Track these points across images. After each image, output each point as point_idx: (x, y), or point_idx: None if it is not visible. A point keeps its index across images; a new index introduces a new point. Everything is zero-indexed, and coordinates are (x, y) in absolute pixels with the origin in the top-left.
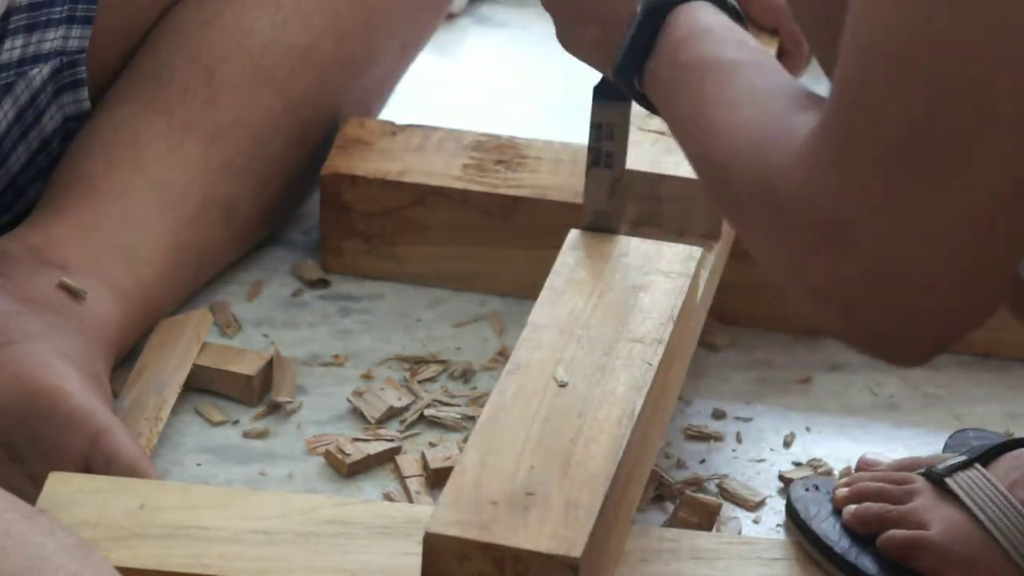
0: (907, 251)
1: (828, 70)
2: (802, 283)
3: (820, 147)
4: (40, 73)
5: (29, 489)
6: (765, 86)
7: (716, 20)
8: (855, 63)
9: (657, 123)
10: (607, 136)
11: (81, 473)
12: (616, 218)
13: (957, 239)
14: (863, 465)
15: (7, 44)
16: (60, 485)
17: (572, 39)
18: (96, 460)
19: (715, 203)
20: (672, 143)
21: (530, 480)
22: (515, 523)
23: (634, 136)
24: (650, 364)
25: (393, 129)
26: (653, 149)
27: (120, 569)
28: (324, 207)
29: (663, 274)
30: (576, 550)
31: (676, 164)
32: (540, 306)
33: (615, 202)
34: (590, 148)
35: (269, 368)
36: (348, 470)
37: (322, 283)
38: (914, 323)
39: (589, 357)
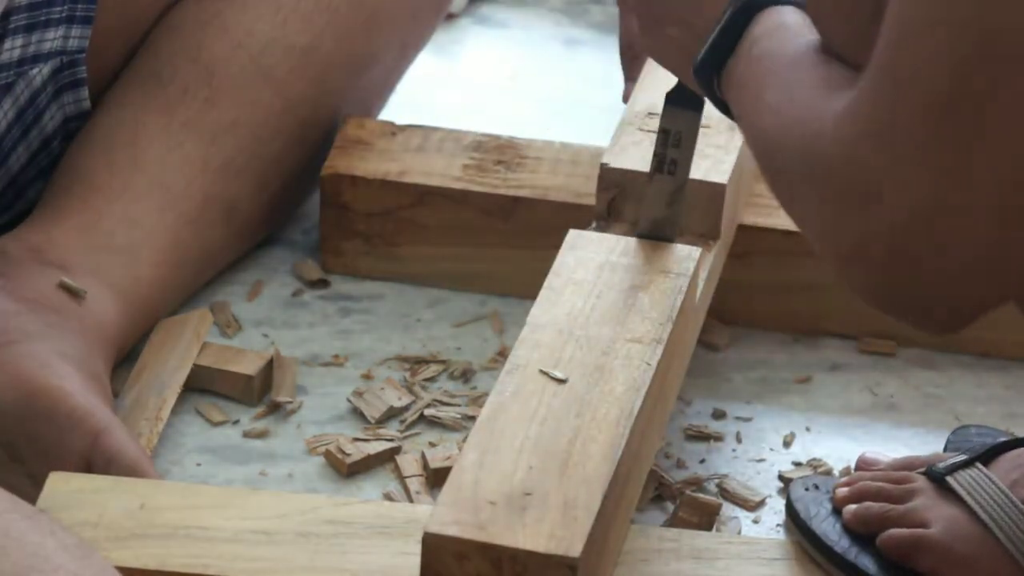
0: (944, 204)
1: (847, 53)
2: (847, 245)
3: (858, 107)
4: (40, 73)
5: (29, 489)
6: (817, 70)
7: (794, 18)
8: (891, 23)
9: (655, 122)
10: (674, 143)
11: (81, 473)
12: (672, 227)
13: (994, 193)
14: (863, 464)
15: (7, 44)
16: (60, 485)
17: (654, 40)
18: (96, 460)
19: (769, 185)
20: None
21: (528, 480)
22: (513, 523)
23: (634, 136)
24: (648, 364)
25: (393, 129)
26: (651, 149)
27: (120, 569)
28: (324, 207)
29: (662, 274)
30: (574, 550)
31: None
32: (539, 306)
33: (674, 210)
34: (655, 154)
35: (269, 368)
36: (348, 470)
37: (322, 283)
38: (950, 282)
39: (588, 357)
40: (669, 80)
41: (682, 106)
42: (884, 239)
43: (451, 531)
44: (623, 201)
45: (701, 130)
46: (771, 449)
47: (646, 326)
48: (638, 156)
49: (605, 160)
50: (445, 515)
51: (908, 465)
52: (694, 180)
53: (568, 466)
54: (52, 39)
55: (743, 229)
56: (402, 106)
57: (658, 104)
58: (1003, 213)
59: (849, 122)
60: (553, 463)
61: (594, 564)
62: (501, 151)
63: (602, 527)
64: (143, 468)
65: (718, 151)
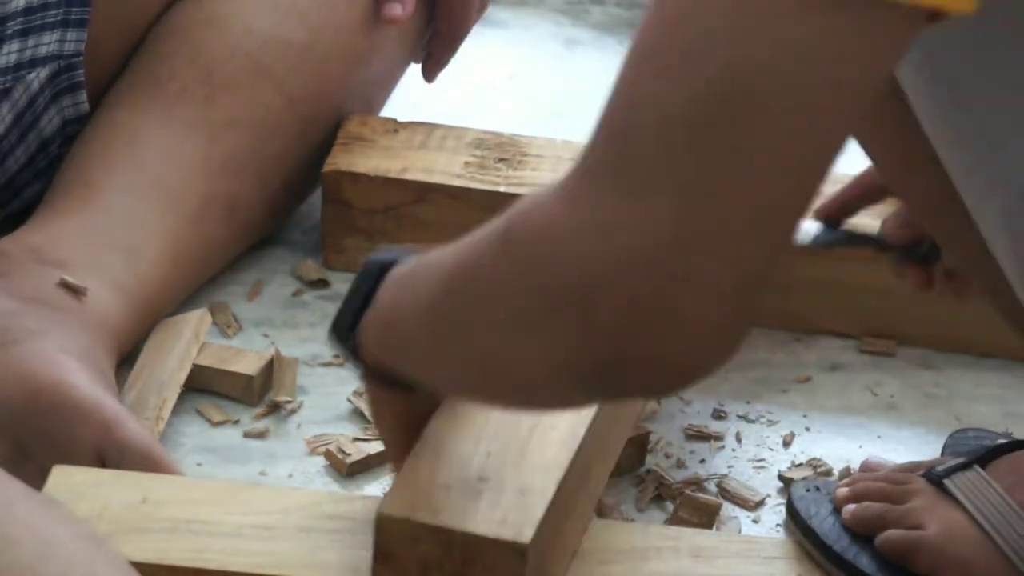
0: (684, 235)
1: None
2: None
3: (576, 174)
4: (38, 77)
5: (40, 485)
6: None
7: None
8: (611, 94)
9: None
10: None
11: (91, 466)
12: None
13: (731, 232)
14: (865, 469)
15: (3, 49)
16: (63, 479)
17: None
18: (109, 451)
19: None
20: None
21: (486, 466)
22: (466, 507)
23: None
24: None
25: (395, 126)
26: None
27: None
28: (325, 204)
29: None
30: (525, 535)
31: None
32: None
33: None
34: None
35: (270, 368)
36: (348, 470)
37: (322, 283)
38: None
39: None
40: None
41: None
42: (627, 284)
43: (404, 513)
44: None
45: None
46: (771, 449)
47: None
48: None
49: None
50: (399, 497)
51: (910, 470)
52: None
53: (526, 453)
54: (48, 43)
55: None
56: (403, 104)
57: None
58: (740, 251)
59: (560, 196)
60: (512, 450)
61: (547, 551)
62: (503, 148)
63: (557, 515)
64: (157, 456)
65: None
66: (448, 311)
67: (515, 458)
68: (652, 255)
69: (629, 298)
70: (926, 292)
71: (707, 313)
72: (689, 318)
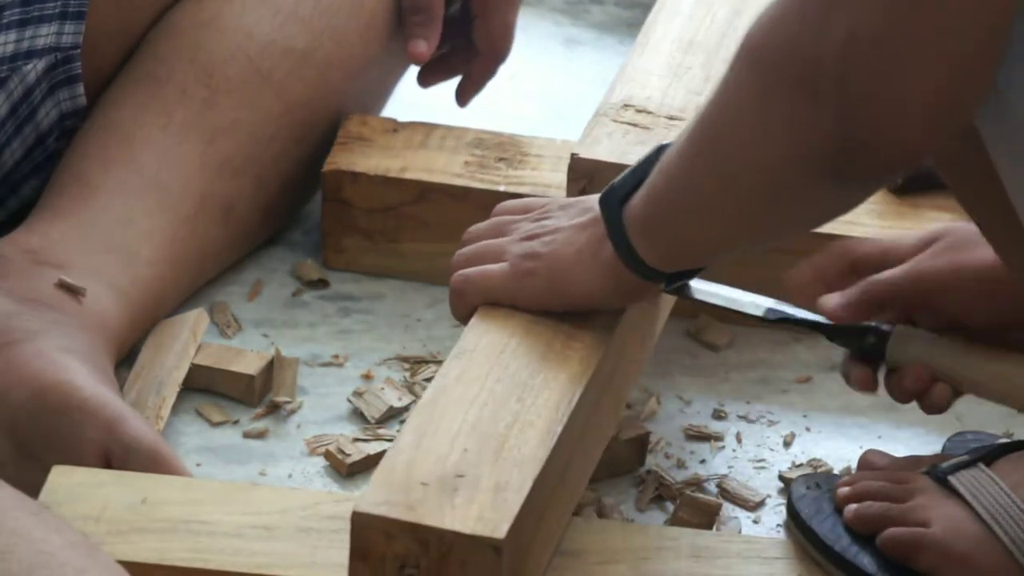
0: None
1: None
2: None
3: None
4: (35, 68)
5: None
6: None
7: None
8: None
9: (630, 114)
10: None
11: (96, 465)
12: None
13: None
14: (864, 464)
15: (0, 39)
16: (62, 479)
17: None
18: (114, 450)
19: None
20: (642, 134)
21: (462, 463)
22: (443, 504)
23: (607, 127)
24: (596, 352)
25: (395, 126)
26: (623, 140)
27: (121, 563)
28: (325, 203)
29: None
30: (500, 532)
31: (642, 155)
32: None
33: None
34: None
35: (270, 368)
36: (348, 470)
37: (322, 283)
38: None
39: (536, 344)
40: (647, 75)
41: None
42: (847, 65)
43: (380, 511)
44: (593, 191)
45: None
46: (771, 449)
47: (599, 317)
48: (609, 147)
49: (576, 151)
50: (376, 495)
51: (911, 465)
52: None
53: (504, 450)
54: (46, 35)
55: None
56: (403, 104)
57: (636, 96)
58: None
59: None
60: (489, 447)
61: (524, 548)
62: (502, 148)
63: (534, 511)
64: (162, 453)
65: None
66: (701, 149)
67: (492, 455)
68: (869, 39)
69: (850, 79)
70: (869, 393)
71: (920, 97)
72: (904, 99)
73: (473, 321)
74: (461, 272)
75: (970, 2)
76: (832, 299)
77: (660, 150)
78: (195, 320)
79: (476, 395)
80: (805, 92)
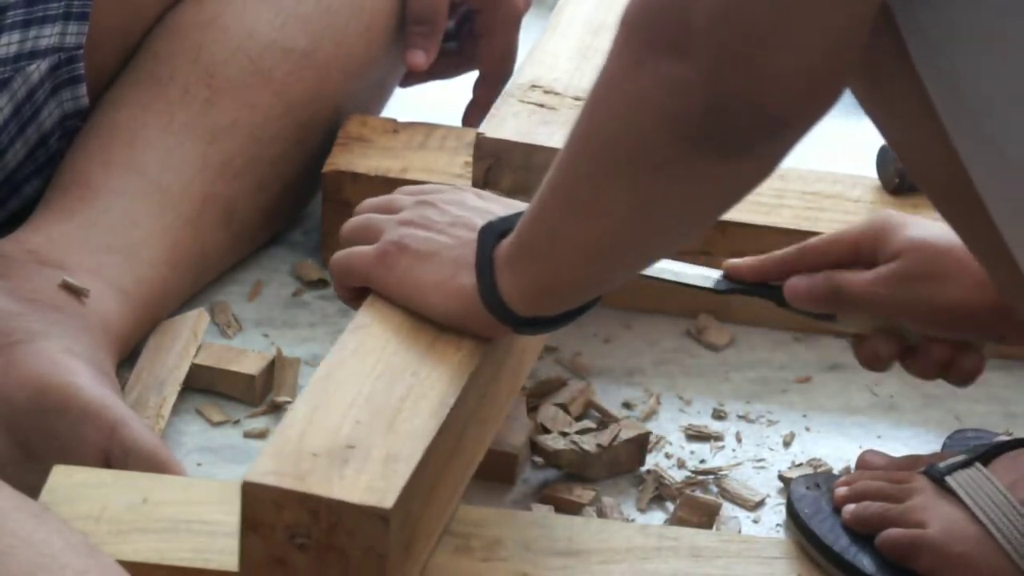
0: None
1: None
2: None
3: None
4: (38, 69)
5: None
6: None
7: None
8: None
9: (537, 95)
10: None
11: (96, 467)
12: None
13: None
14: (863, 464)
15: (3, 39)
16: (63, 479)
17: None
18: (114, 452)
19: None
20: (548, 115)
21: (354, 434)
22: (332, 475)
23: (514, 107)
24: None
25: (395, 126)
26: (529, 120)
27: (121, 563)
28: (326, 204)
29: None
30: (387, 501)
31: (549, 135)
32: None
33: None
34: None
35: (271, 368)
36: None
37: (322, 283)
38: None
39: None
40: (555, 57)
41: None
42: (720, 29)
43: (269, 480)
44: (499, 171)
45: None
46: (771, 449)
47: None
48: (515, 127)
49: (481, 130)
50: (265, 465)
51: (910, 465)
52: None
53: (396, 422)
54: (49, 35)
55: (741, 228)
56: (403, 105)
57: (543, 77)
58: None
59: None
60: (381, 418)
61: (414, 518)
62: None
63: (424, 482)
64: (162, 457)
65: None
66: (576, 132)
67: (384, 427)
68: (738, 4)
69: (717, 44)
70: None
71: (787, 64)
72: (777, 64)
73: (372, 296)
74: (335, 256)
75: None
76: (799, 286)
77: None
78: (196, 320)
79: (372, 368)
80: (674, 55)
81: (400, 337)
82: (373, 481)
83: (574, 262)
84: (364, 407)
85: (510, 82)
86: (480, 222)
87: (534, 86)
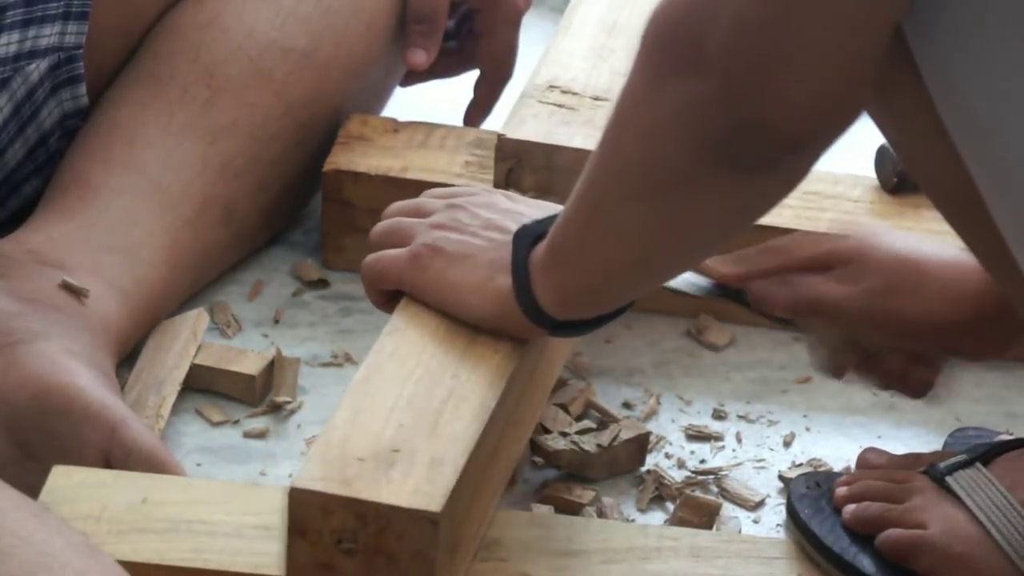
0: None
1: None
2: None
3: None
4: (37, 68)
5: None
6: None
7: None
8: None
9: (555, 95)
10: None
11: (96, 467)
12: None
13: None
14: (863, 462)
15: (3, 39)
16: (63, 479)
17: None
18: (114, 452)
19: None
20: (568, 115)
21: (398, 437)
22: (379, 479)
23: (532, 108)
24: None
25: (395, 126)
26: (549, 121)
27: (121, 563)
28: (326, 203)
29: None
30: (436, 505)
31: (570, 136)
32: None
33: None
34: None
35: (271, 368)
36: None
37: (322, 283)
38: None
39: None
40: (571, 57)
41: None
42: (737, 48)
43: (317, 486)
44: (521, 172)
45: None
46: (771, 449)
47: None
48: (535, 127)
49: (502, 131)
50: (312, 471)
51: (910, 463)
52: (588, 152)
53: (439, 424)
54: (49, 35)
55: None
56: (403, 104)
57: (560, 77)
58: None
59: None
60: (424, 421)
61: (459, 520)
62: None
63: (469, 485)
64: (162, 458)
65: None
66: (603, 143)
67: (427, 430)
68: (755, 25)
69: (735, 65)
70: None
71: (802, 88)
72: (793, 88)
73: (404, 299)
74: (366, 260)
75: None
76: (777, 296)
77: None
78: (195, 320)
79: (411, 371)
80: (694, 75)
81: (437, 340)
82: (420, 485)
83: (606, 273)
84: (406, 410)
85: (527, 83)
86: (512, 225)
87: (552, 86)
